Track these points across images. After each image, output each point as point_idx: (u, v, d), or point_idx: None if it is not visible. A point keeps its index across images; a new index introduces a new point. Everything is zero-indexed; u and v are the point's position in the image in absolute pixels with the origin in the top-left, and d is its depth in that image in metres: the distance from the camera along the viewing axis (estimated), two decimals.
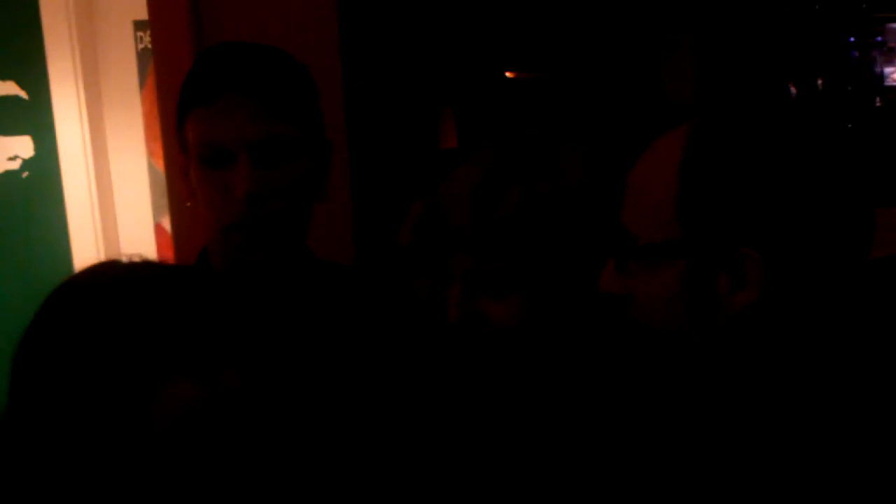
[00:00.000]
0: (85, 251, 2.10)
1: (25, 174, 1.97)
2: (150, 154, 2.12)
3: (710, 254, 0.88)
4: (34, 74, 1.94)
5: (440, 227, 1.14)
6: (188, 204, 1.29)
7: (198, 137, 1.23)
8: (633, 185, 0.96)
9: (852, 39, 3.28)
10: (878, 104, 3.24)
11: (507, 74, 2.58)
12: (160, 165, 2.20)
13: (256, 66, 1.24)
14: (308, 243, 1.35)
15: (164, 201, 2.13)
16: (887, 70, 3.30)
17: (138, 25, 2.05)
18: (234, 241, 1.25)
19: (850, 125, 3.18)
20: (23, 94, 1.95)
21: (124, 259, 1.06)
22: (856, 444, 0.85)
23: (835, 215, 0.89)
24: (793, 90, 3.13)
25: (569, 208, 1.10)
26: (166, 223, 2.15)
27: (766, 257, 0.86)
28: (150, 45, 1.91)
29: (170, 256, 2.12)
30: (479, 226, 1.10)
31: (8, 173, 1.96)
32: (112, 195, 2.13)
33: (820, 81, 3.19)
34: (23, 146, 1.98)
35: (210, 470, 0.99)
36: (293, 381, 1.30)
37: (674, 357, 0.95)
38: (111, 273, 1.03)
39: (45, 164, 2.01)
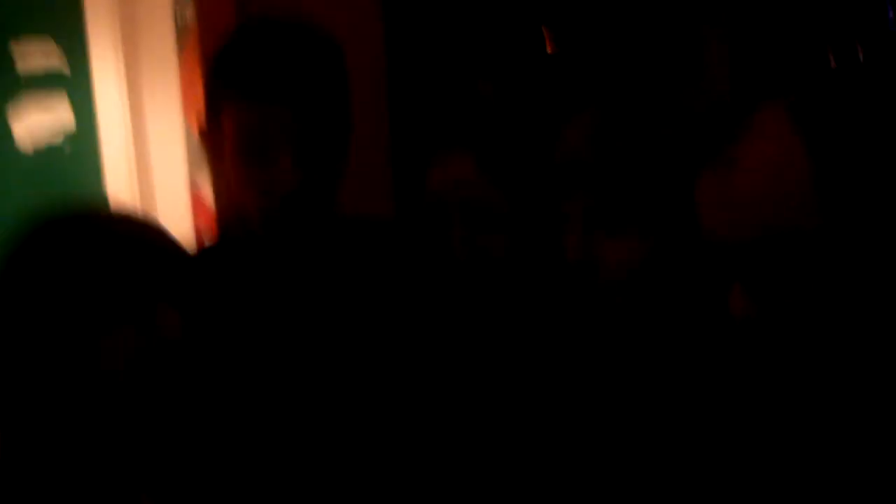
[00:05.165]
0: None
1: (66, 145, 1.96)
2: (188, 120, 2.10)
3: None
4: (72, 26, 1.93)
5: (556, 175, 1.20)
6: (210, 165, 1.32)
7: (235, 129, 1.24)
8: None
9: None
10: None
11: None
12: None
13: (297, 65, 1.23)
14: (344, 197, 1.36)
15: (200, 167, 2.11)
16: None
17: None
18: (264, 220, 1.28)
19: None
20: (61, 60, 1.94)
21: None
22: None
23: None
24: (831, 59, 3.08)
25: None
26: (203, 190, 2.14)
27: None
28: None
29: (208, 222, 2.11)
30: (599, 163, 1.15)
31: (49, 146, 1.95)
32: (149, 161, 2.11)
33: (859, 49, 3.13)
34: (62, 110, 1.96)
35: (165, 423, 0.98)
36: (310, 338, 1.34)
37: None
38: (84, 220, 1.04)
39: (83, 130, 2.00)
